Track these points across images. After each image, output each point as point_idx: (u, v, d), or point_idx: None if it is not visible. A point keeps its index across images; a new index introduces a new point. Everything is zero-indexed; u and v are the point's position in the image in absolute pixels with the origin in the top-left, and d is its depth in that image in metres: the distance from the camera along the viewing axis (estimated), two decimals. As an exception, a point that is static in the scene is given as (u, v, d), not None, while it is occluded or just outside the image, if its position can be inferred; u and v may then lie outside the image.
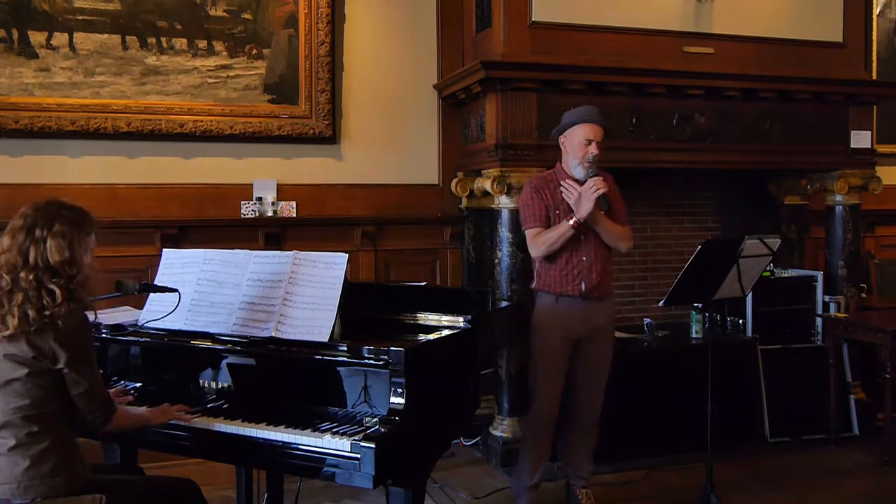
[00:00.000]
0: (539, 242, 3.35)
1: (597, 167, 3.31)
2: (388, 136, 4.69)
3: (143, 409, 2.45)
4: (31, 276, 2.09)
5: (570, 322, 3.36)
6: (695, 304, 4.56)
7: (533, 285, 3.50)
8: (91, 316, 2.23)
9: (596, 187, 3.21)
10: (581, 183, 3.31)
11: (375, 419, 2.27)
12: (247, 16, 4.38)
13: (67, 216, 2.18)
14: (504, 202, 4.13)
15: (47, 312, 2.07)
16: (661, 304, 3.50)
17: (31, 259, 2.11)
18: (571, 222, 3.25)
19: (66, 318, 2.09)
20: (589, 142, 3.30)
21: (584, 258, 3.33)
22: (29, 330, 2.06)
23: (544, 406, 3.41)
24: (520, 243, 3.98)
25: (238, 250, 2.68)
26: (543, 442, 3.47)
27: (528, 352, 3.47)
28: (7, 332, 2.06)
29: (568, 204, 3.33)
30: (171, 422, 2.40)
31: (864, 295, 5.09)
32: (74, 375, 2.13)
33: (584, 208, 3.24)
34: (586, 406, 3.47)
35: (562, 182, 3.35)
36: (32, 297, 2.07)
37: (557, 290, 3.35)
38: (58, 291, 2.09)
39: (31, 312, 2.06)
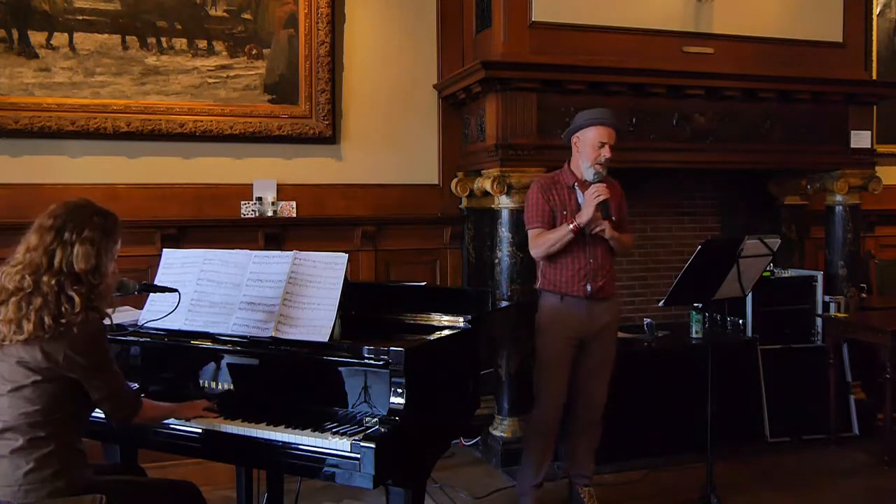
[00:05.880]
0: (539, 243, 3.35)
1: (605, 172, 3.29)
2: (388, 136, 4.69)
3: (170, 404, 2.45)
4: (53, 281, 2.04)
5: (575, 321, 3.35)
6: (695, 304, 4.56)
7: (537, 285, 3.49)
8: (107, 321, 2.19)
9: (597, 193, 3.20)
10: (588, 186, 3.29)
11: (375, 419, 2.27)
12: (247, 16, 4.38)
13: (99, 223, 2.13)
14: (504, 202, 4.13)
15: (63, 320, 2.02)
16: (661, 304, 3.50)
17: (56, 263, 2.06)
18: (571, 227, 3.25)
19: (82, 326, 2.04)
20: (602, 144, 3.28)
21: (592, 261, 3.33)
22: (43, 336, 2.02)
23: (549, 406, 3.41)
24: (520, 243, 3.98)
25: (238, 250, 2.68)
26: (547, 442, 3.48)
27: (533, 352, 3.47)
28: (22, 337, 2.01)
29: (574, 206, 3.32)
30: (173, 423, 2.40)
31: (864, 295, 5.09)
32: (94, 381, 2.11)
33: (584, 213, 3.24)
34: (589, 404, 3.48)
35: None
36: (51, 303, 2.02)
37: (563, 290, 3.35)
38: (77, 299, 2.04)
39: (47, 319, 2.01)
